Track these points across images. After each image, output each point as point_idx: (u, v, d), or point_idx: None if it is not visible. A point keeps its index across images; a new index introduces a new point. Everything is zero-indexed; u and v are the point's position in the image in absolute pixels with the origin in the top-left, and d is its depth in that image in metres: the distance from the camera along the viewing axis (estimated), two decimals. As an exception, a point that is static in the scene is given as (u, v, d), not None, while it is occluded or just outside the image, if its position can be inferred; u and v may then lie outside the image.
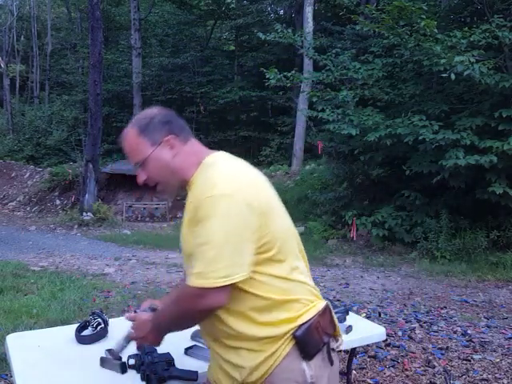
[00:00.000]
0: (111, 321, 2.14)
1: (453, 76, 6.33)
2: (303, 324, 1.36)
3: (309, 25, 12.86)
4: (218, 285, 1.25)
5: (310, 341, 1.36)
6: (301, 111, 11.54)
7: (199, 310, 1.29)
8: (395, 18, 7.07)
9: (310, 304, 1.40)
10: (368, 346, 3.78)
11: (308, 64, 12.62)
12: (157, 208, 13.97)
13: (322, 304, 1.44)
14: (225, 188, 1.28)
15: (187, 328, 1.58)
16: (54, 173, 15.62)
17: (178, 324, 1.43)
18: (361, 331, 2.42)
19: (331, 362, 1.42)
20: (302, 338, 1.34)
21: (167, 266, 7.39)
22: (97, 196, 12.94)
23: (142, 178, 1.46)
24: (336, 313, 2.53)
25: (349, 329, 2.38)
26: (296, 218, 10.44)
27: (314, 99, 8.36)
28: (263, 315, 1.34)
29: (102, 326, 2.04)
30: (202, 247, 1.28)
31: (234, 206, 1.27)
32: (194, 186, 1.38)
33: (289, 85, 9.11)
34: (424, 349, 3.92)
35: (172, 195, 1.50)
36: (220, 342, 1.40)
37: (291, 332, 1.35)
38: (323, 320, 1.40)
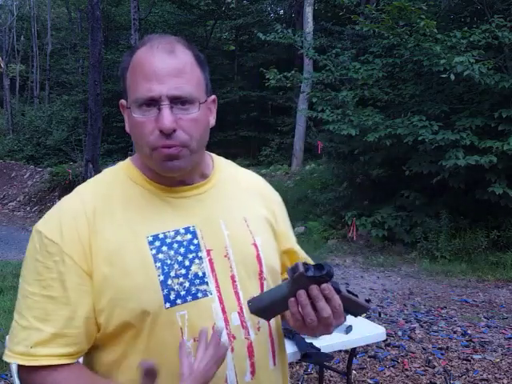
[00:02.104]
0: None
1: (452, 76, 6.33)
2: None
3: (309, 25, 12.85)
4: None
5: None
6: (301, 111, 11.54)
7: None
8: (395, 18, 7.07)
9: None
10: (368, 345, 3.79)
11: (308, 64, 12.61)
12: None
13: None
14: None
15: None
16: (54, 173, 15.61)
17: None
18: (361, 331, 2.42)
19: None
20: None
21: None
22: (97, 196, 12.92)
23: (173, 122, 0.90)
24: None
25: (349, 329, 2.39)
26: (296, 218, 10.44)
27: (314, 100, 8.36)
28: None
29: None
30: None
31: None
32: (235, 176, 1.13)
33: (289, 85, 9.11)
34: (424, 349, 3.93)
35: (187, 168, 0.96)
36: None
37: None
38: None
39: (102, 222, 0.94)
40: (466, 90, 7.55)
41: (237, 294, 0.97)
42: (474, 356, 3.78)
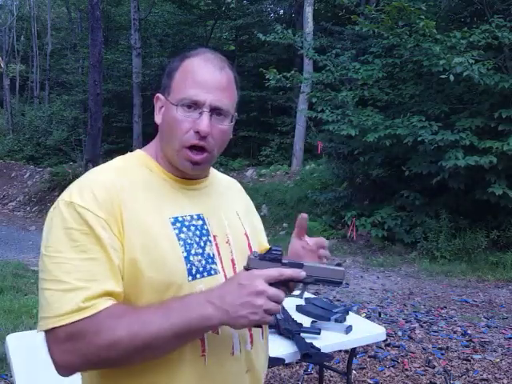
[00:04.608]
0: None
1: (452, 77, 6.34)
2: None
3: (309, 25, 12.85)
4: None
5: None
6: (301, 111, 11.53)
7: None
8: (395, 19, 7.07)
9: None
10: (368, 346, 3.79)
11: (308, 64, 12.60)
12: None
13: None
14: None
15: None
16: (54, 173, 15.60)
17: None
18: (361, 331, 2.42)
19: None
20: None
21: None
22: (97, 196, 12.90)
23: (209, 127, 1.04)
24: (336, 313, 2.55)
25: (349, 329, 2.39)
26: (296, 218, 10.43)
27: (314, 100, 8.36)
28: None
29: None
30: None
31: None
32: (219, 176, 1.29)
33: (289, 85, 9.11)
34: (424, 349, 3.93)
35: (204, 171, 1.16)
36: None
37: None
38: None
39: (129, 197, 1.03)
40: (465, 90, 7.55)
41: None
42: (474, 356, 3.78)
